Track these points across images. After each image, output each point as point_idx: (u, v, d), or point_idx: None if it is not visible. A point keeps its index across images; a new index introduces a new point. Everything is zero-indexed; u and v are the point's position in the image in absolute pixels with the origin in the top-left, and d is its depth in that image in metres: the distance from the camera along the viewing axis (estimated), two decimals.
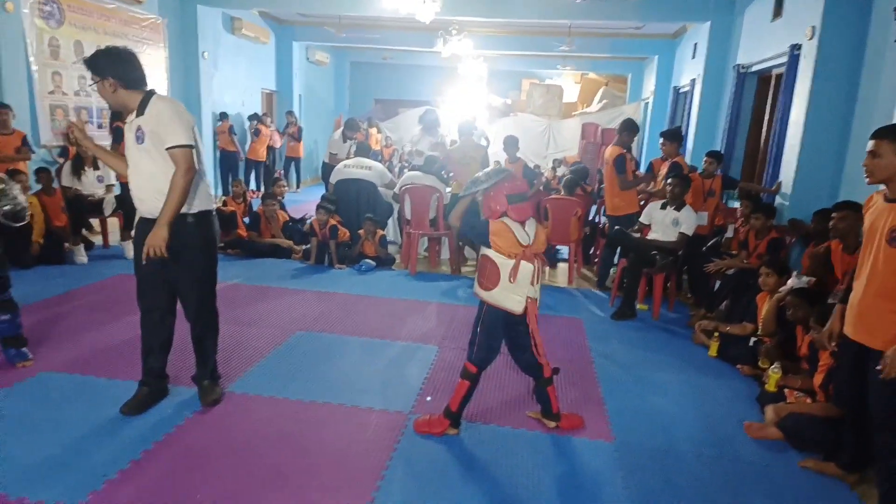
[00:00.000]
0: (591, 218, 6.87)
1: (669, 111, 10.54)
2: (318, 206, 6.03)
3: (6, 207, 3.03)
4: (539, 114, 14.23)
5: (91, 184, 5.69)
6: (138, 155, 2.63)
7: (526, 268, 2.57)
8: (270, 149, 10.69)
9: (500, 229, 2.59)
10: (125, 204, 5.86)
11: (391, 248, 6.44)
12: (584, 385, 3.43)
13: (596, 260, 6.40)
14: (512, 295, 2.59)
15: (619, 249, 5.41)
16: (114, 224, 6.17)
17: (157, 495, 2.23)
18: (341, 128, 7.97)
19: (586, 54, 12.25)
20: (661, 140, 5.52)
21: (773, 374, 3.21)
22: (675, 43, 10.83)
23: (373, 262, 5.92)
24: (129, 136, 2.64)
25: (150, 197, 2.64)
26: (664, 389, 3.45)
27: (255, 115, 10.28)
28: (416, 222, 5.95)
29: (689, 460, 2.71)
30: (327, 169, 7.48)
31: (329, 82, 15.09)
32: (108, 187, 5.81)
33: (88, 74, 2.60)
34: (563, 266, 6.03)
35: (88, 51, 6.86)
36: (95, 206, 5.73)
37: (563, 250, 6.27)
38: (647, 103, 12.31)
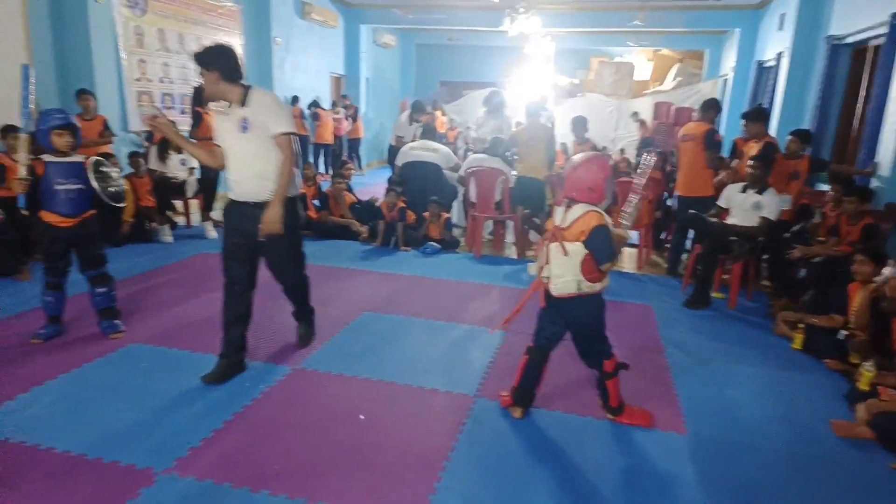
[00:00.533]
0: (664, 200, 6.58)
1: (751, 88, 9.91)
2: (388, 189, 6.11)
3: (110, 189, 3.28)
4: (608, 93, 13.77)
5: (175, 167, 6.00)
6: (239, 143, 2.88)
7: (546, 247, 2.60)
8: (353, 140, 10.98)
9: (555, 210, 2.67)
10: (206, 186, 6.16)
11: (455, 232, 6.45)
12: (655, 374, 3.32)
13: (667, 245, 6.17)
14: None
15: (692, 234, 5.18)
16: (194, 205, 6.50)
17: (237, 464, 2.34)
18: (408, 110, 8.01)
19: (660, 29, 11.68)
20: (742, 122, 5.21)
21: (867, 372, 2.98)
22: (759, 14, 10.14)
23: (438, 245, 5.95)
24: (230, 125, 2.87)
25: (250, 181, 2.92)
26: (742, 382, 3.29)
27: (315, 101, 10.49)
28: (482, 205, 5.93)
29: (769, 457, 2.58)
30: (394, 151, 7.55)
31: (395, 65, 15.18)
32: (190, 170, 6.11)
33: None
34: (631, 251, 5.84)
35: (170, 39, 7.26)
36: (178, 188, 6.04)
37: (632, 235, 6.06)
38: (725, 80, 11.64)
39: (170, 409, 2.73)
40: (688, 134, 5.09)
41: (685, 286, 4.86)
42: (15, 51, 5.57)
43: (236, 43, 8.48)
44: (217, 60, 2.81)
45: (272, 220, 2.87)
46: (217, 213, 6.67)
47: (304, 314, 3.54)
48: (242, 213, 2.94)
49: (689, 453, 2.57)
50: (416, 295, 4.59)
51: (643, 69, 15.19)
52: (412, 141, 7.18)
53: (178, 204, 6.38)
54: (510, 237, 6.40)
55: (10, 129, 4.72)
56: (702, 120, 5.07)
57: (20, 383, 2.88)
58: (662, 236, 6.30)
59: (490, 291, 4.76)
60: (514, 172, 5.99)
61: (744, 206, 4.45)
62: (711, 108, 5.09)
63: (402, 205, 6.06)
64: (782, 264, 4.57)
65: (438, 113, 12.51)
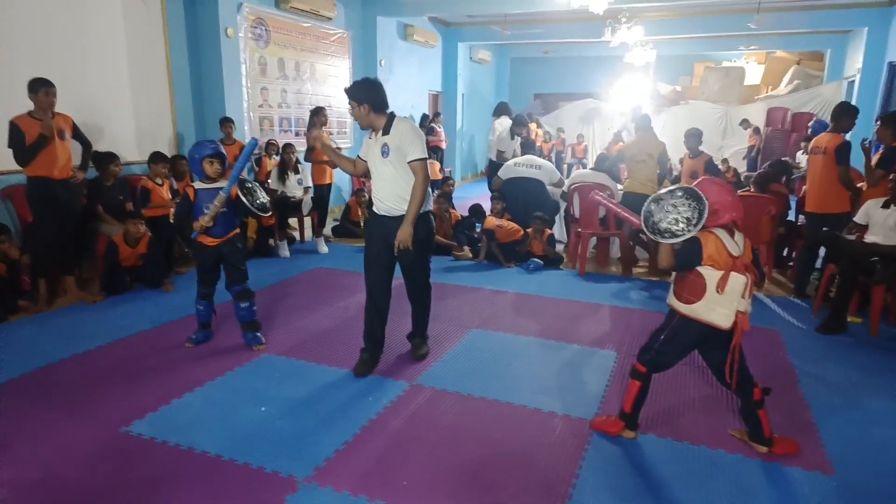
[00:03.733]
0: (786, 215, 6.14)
1: (882, 91, 9.08)
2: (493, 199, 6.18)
3: (258, 202, 3.64)
4: (715, 100, 13.10)
5: (293, 186, 6.39)
6: (381, 166, 3.23)
7: (736, 280, 2.39)
8: (436, 149, 11.15)
9: (712, 240, 2.43)
10: (319, 204, 6.52)
11: (557, 247, 6.38)
12: (790, 407, 3.10)
13: (790, 264, 5.76)
14: (718, 308, 2.42)
15: (822, 253, 4.80)
16: (308, 222, 6.88)
17: (369, 477, 2.44)
18: (507, 125, 8.05)
19: (775, 31, 10.97)
20: (876, 124, 4.75)
21: None
22: (891, 11, 9.29)
23: (541, 262, 5.92)
24: (375, 150, 3.24)
25: (389, 199, 3.26)
26: (891, 419, 3.00)
27: (425, 115, 10.80)
28: (586, 221, 5.83)
29: None
30: (494, 166, 7.60)
31: (490, 79, 15.33)
32: (306, 189, 6.49)
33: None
34: None
35: (288, 67, 7.78)
36: (295, 206, 6.43)
37: None
38: (851, 82, 10.73)
39: (303, 417, 2.90)
40: (818, 147, 4.68)
41: (817, 309, 4.51)
42: (160, 84, 6.21)
43: (345, 67, 8.94)
44: (368, 95, 3.13)
45: (403, 238, 3.18)
46: (328, 230, 7.04)
47: (422, 327, 3.68)
48: (383, 225, 3.29)
49: (839, 497, 2.37)
50: (523, 312, 4.58)
51: (753, 73, 14.32)
52: (513, 156, 7.20)
53: (293, 221, 6.79)
54: (615, 253, 6.25)
55: (158, 158, 5.26)
56: (834, 130, 4.65)
57: (177, 389, 3.18)
58: (786, 253, 5.88)
59: (598, 310, 4.66)
60: (621, 188, 5.85)
61: (887, 224, 4.07)
62: (845, 114, 4.60)
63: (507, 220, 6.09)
64: None
65: (533, 126, 12.47)
